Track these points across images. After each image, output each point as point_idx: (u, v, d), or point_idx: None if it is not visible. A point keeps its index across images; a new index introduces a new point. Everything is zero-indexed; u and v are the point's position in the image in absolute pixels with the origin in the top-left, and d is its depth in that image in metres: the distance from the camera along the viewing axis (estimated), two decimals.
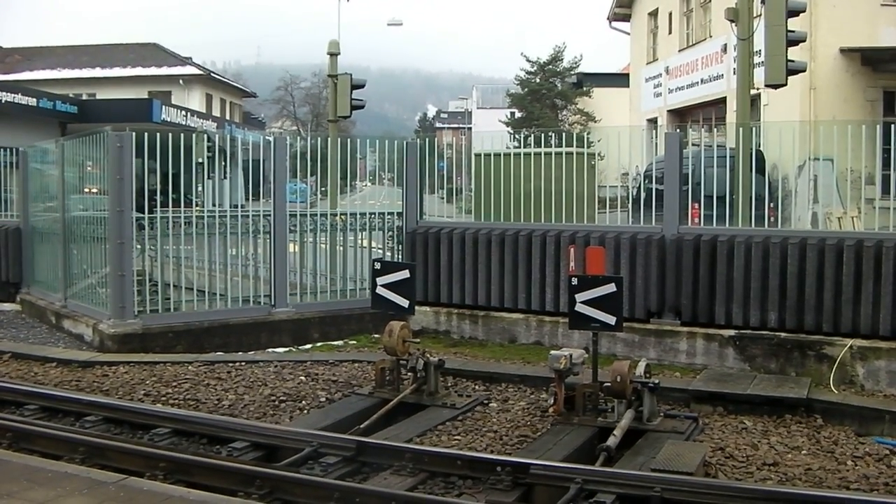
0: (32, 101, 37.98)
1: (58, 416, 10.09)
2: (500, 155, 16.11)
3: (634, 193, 15.59)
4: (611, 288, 9.53)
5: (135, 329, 13.44)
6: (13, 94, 36.79)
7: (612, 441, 8.41)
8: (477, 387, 11.38)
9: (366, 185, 20.27)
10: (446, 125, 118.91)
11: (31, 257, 18.08)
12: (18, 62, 61.22)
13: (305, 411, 10.39)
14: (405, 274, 11.13)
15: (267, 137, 17.81)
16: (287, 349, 14.06)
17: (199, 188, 16.72)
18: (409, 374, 10.64)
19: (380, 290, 11.16)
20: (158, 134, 13.75)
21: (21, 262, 18.32)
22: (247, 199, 17.73)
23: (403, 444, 8.59)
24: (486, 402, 10.62)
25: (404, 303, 11.09)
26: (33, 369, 12.85)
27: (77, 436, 8.81)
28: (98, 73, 58.46)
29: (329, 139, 17.75)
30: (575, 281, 9.73)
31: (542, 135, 15.24)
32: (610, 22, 42.06)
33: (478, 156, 16.55)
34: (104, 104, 45.54)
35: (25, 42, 75.88)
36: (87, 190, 15.70)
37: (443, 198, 17.68)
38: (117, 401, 10.55)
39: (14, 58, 62.03)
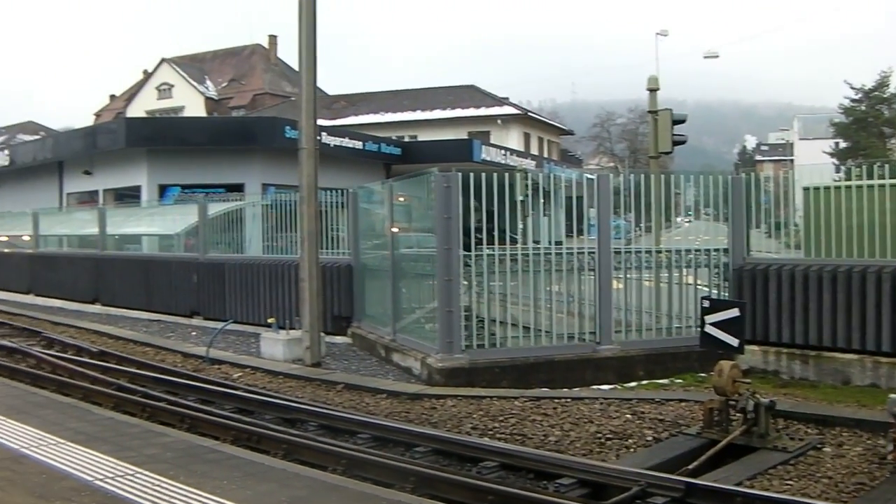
0: (358, 145, 39.89)
1: (388, 446, 10.44)
2: (830, 188, 15.31)
3: None
4: None
5: (462, 364, 13.75)
6: (340, 139, 38.73)
7: None
8: (809, 430, 10.78)
9: (685, 221, 19.87)
10: (766, 157, 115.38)
11: (361, 292, 18.89)
12: (344, 108, 64.85)
13: (632, 449, 10.23)
14: (735, 312, 10.77)
15: (585, 175, 17.80)
16: (612, 386, 13.89)
17: (520, 226, 16.91)
18: (738, 415, 10.24)
19: (708, 329, 10.85)
20: (483, 174, 14.05)
21: (352, 297, 19.17)
22: (566, 237, 17.76)
23: (734, 487, 8.29)
24: (819, 446, 10.05)
25: (734, 342, 10.71)
26: (365, 400, 13.42)
27: (408, 465, 9.06)
28: (419, 115, 60.94)
29: (648, 175, 17.52)
30: None
31: (874, 166, 14.33)
32: None
33: (807, 189, 15.80)
34: (426, 145, 47.25)
35: (345, 89, 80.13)
36: (394, 229, 16.28)
37: (766, 233, 17.01)
38: (445, 433, 10.80)
39: (339, 104, 65.78)
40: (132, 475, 7.17)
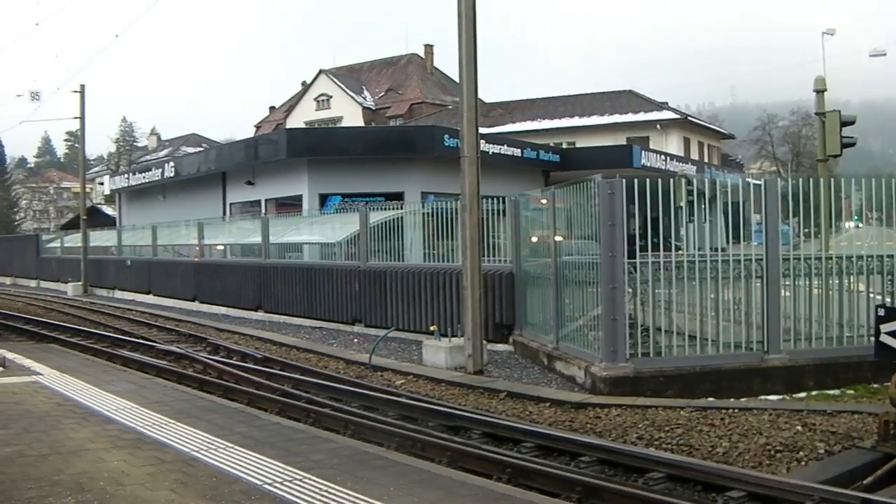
0: (517, 152, 39.84)
1: (553, 455, 10.43)
2: None
3: None
4: None
5: (626, 372, 13.61)
6: (499, 146, 38.72)
7: None
8: None
9: (852, 226, 19.23)
10: None
11: (522, 300, 18.87)
12: (501, 115, 64.98)
13: (803, 463, 9.96)
14: None
15: (749, 179, 17.39)
16: (780, 397, 13.55)
17: (681, 232, 16.66)
18: None
19: (884, 338, 10.49)
20: (648, 180, 13.89)
21: (513, 304, 19.17)
22: (727, 243, 17.40)
23: None
24: None
25: None
26: (528, 408, 13.43)
27: (574, 475, 9.03)
28: (577, 122, 60.57)
29: (813, 179, 17.01)
30: None
31: None
32: None
33: None
34: (585, 152, 46.97)
35: (502, 96, 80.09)
36: (557, 237, 16.20)
37: None
38: (611, 443, 10.72)
39: (497, 112, 65.94)
40: (300, 480, 7.34)
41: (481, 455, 9.93)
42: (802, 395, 13.75)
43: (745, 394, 13.55)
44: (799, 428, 11.11)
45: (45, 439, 8.88)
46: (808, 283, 14.94)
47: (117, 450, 8.40)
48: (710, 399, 13.13)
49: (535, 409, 13.34)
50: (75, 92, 46.59)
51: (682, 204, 15.87)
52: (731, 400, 13.02)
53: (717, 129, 75.59)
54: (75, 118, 47.88)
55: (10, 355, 15.55)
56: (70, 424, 9.66)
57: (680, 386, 13.62)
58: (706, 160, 62.88)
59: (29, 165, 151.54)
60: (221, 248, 33.84)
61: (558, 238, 16.28)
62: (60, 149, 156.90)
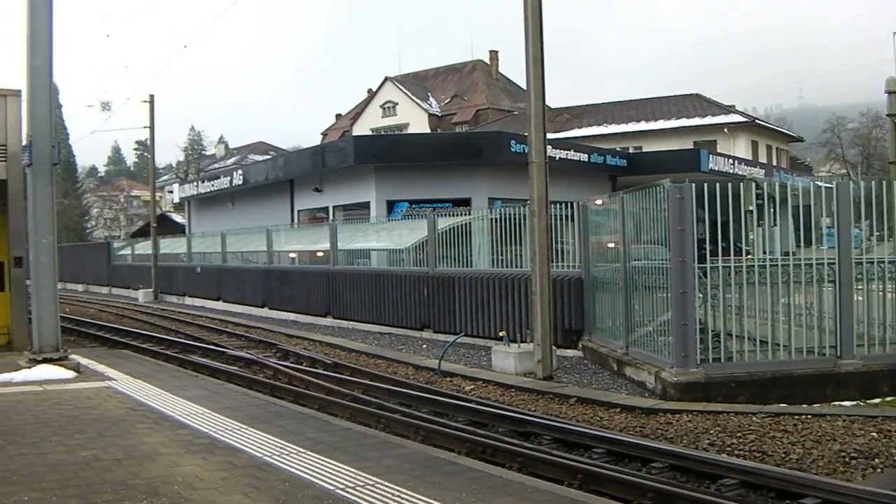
0: (584, 157, 39.67)
1: (624, 461, 10.41)
2: None
3: None
4: None
5: (697, 378, 13.52)
6: (565, 151, 38.62)
7: None
8: None
9: None
10: None
11: (591, 305, 18.82)
12: (567, 121, 64.78)
13: (879, 470, 9.82)
14: None
15: (820, 182, 17.19)
16: (854, 403, 13.35)
17: (750, 236, 16.51)
18: None
19: None
20: (717, 184, 13.81)
21: (582, 309, 19.13)
22: (796, 247, 17.22)
23: None
24: None
25: None
26: (598, 414, 13.41)
27: (646, 481, 9.01)
28: (643, 126, 60.15)
29: (885, 181, 16.74)
30: None
31: None
32: None
33: None
34: (652, 156, 46.57)
35: (568, 101, 79.62)
36: (610, 245, 16.11)
37: None
38: (682, 449, 10.67)
39: (563, 116, 65.73)
40: (372, 486, 7.36)
41: (552, 461, 9.94)
42: (877, 400, 13.53)
43: (817, 400, 13.38)
44: (874, 434, 10.97)
45: (119, 443, 9.04)
46: (881, 286, 14.74)
47: (190, 454, 8.52)
48: (783, 405, 13.00)
49: (606, 414, 13.32)
50: (144, 102, 47.41)
51: (752, 208, 15.75)
52: (804, 406, 12.89)
53: (786, 131, 74.73)
54: (145, 128, 48.76)
55: (84, 361, 15.86)
56: (143, 429, 9.83)
57: (751, 391, 13.50)
58: (774, 163, 62.10)
59: (100, 174, 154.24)
60: (294, 255, 34.14)
61: (627, 243, 16.22)
62: (130, 157, 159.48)
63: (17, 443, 9.12)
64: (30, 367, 14.26)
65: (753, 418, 12.00)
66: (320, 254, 30.57)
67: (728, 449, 10.84)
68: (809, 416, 11.92)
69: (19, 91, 16.91)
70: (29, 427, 9.98)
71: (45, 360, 14.47)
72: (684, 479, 9.61)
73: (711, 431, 11.56)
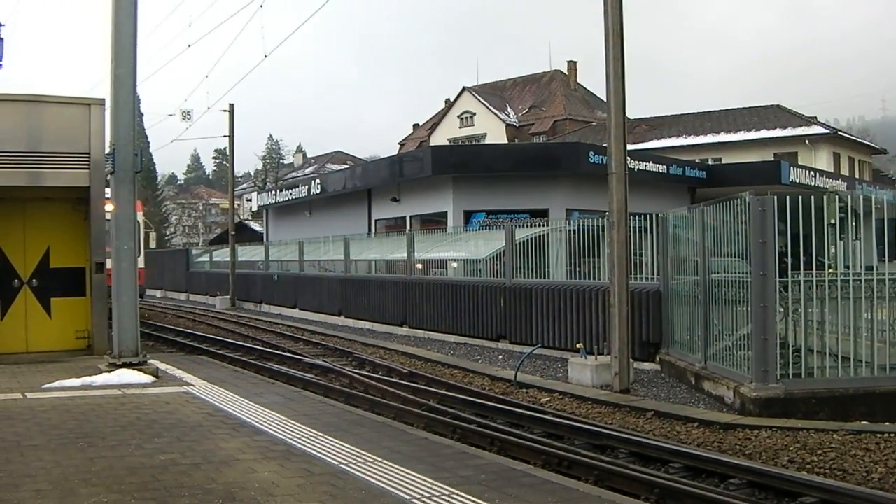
0: (662, 168, 39.28)
1: (701, 477, 10.33)
2: None
3: None
4: None
5: (777, 394, 13.35)
6: (644, 163, 38.23)
7: None
8: None
9: None
10: None
11: (669, 318, 18.66)
12: (645, 132, 64.34)
13: None
14: None
15: None
16: None
17: (832, 250, 16.27)
18: None
19: None
20: (800, 197, 13.63)
21: (660, 322, 18.98)
22: (879, 261, 16.92)
23: None
24: None
25: None
26: (675, 428, 13.30)
27: (724, 497, 8.95)
28: (723, 137, 59.49)
29: None
30: None
31: None
32: None
33: None
34: (731, 168, 45.94)
35: (646, 112, 78.79)
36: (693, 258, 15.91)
37: None
38: (761, 465, 10.56)
39: (641, 128, 65.29)
40: (448, 496, 7.33)
41: (629, 475, 9.91)
42: None
43: None
44: None
45: (196, 448, 9.15)
46: None
47: (267, 461, 8.59)
48: (864, 422, 12.77)
49: (683, 429, 13.21)
50: (224, 111, 47.95)
51: (834, 221, 15.54)
52: (887, 424, 12.60)
53: (869, 143, 73.33)
54: (224, 136, 49.35)
55: (162, 366, 16.08)
56: (220, 435, 9.94)
57: (832, 408, 13.29)
58: (857, 176, 60.99)
59: (179, 182, 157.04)
60: (369, 263, 34.36)
61: (707, 256, 16.08)
62: (209, 166, 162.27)
63: (97, 445, 9.28)
64: (110, 371, 14.47)
65: (834, 436, 11.81)
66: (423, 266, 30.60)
67: (808, 466, 10.70)
68: (892, 435, 11.68)
69: (103, 100, 17.25)
70: (108, 430, 10.16)
71: (124, 365, 14.67)
72: (763, 497, 9.52)
73: (791, 448, 11.41)
